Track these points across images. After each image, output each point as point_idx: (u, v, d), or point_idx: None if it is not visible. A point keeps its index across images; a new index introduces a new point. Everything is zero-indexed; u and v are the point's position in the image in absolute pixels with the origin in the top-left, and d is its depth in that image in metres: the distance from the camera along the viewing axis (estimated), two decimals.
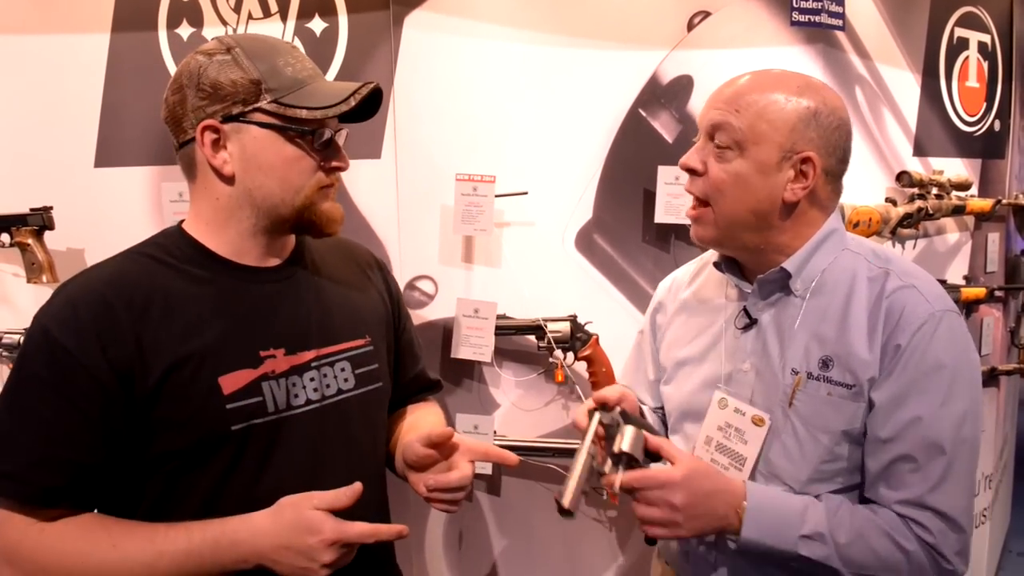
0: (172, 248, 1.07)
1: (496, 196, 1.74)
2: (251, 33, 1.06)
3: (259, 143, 1.02)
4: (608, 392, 1.19)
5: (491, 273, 1.80)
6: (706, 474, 1.05)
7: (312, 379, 1.10)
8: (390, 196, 1.77)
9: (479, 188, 1.73)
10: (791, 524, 1.03)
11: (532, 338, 1.78)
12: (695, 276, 1.31)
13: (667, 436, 1.33)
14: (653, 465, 1.10)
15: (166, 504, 1.03)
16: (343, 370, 1.14)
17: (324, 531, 0.97)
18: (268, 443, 1.06)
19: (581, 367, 1.82)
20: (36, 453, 0.96)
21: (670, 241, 1.91)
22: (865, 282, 1.08)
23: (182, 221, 1.11)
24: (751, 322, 1.14)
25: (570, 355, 1.78)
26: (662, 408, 1.35)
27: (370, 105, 1.07)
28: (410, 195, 1.77)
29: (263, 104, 1.01)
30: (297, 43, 1.71)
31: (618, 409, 1.14)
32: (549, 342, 1.76)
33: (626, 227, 1.90)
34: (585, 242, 1.87)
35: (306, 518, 0.99)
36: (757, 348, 1.13)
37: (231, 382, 1.03)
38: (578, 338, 1.77)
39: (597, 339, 1.78)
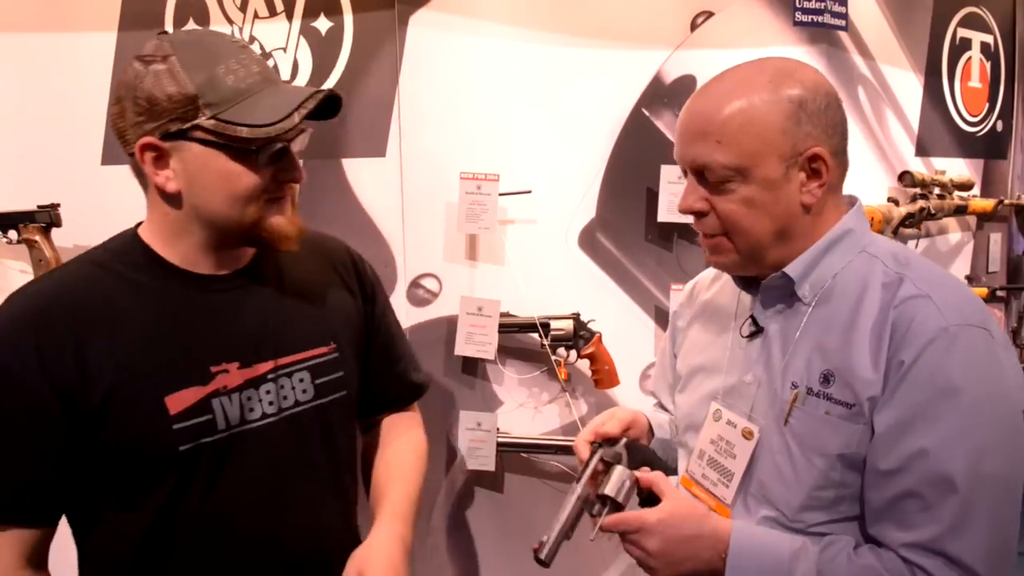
0: (124, 255, 1.02)
1: (500, 195, 1.75)
2: (193, 31, 1.02)
3: (200, 160, 0.95)
4: (609, 427, 1.15)
5: (495, 271, 1.81)
6: (686, 517, 0.97)
7: (268, 392, 1.05)
8: (394, 194, 1.78)
9: (483, 187, 1.74)
10: (779, 572, 0.93)
11: (535, 336, 1.79)
12: (716, 279, 1.22)
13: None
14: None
15: (120, 522, 1.00)
16: (301, 381, 1.09)
17: None
18: (220, 460, 1.02)
19: (584, 365, 1.83)
20: None
21: (673, 240, 1.92)
22: (878, 289, 0.95)
23: (139, 224, 1.05)
24: (758, 330, 1.05)
25: (573, 353, 1.79)
26: None
27: (330, 105, 1.00)
28: (414, 193, 1.78)
29: (201, 121, 0.93)
30: (302, 41, 1.72)
31: (623, 440, 1.10)
32: (552, 340, 1.77)
33: (629, 226, 1.91)
34: (588, 240, 1.88)
35: None
36: (762, 359, 1.03)
37: (178, 401, 0.98)
38: (581, 336, 1.78)
39: (600, 337, 1.79)
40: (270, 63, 0.99)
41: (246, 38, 1.72)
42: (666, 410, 1.32)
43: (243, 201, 0.97)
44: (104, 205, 1.74)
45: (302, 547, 1.08)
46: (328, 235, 1.26)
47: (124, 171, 1.74)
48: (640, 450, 1.10)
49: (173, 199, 0.99)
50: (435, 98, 1.78)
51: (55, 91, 1.73)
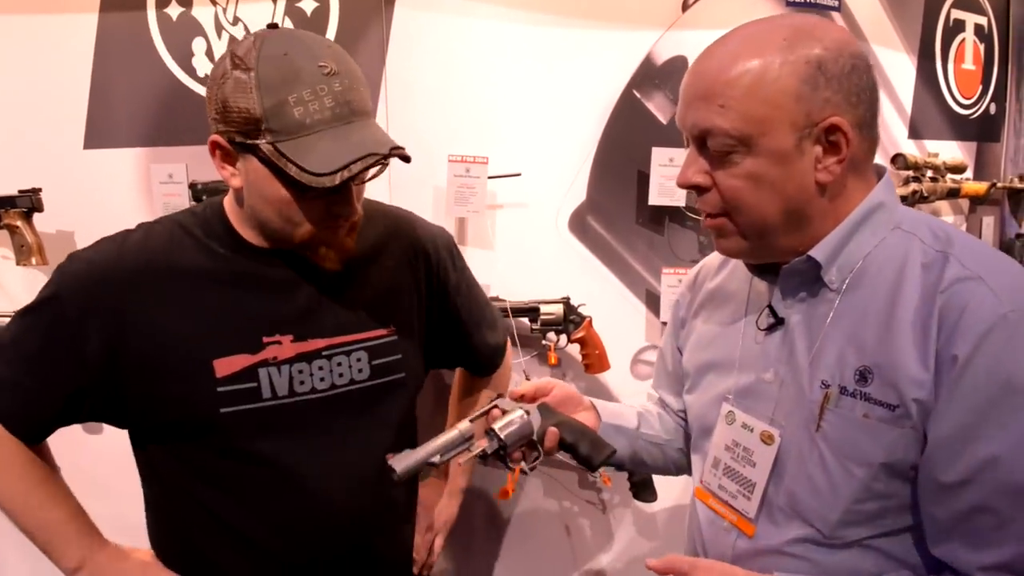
0: (206, 222, 1.09)
1: (489, 178, 1.73)
2: (290, 41, 0.97)
3: (258, 174, 0.99)
4: (525, 385, 1.10)
5: (484, 255, 1.79)
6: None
7: (321, 368, 1.09)
8: (382, 178, 1.74)
9: (472, 169, 1.72)
10: None
11: (526, 320, 1.78)
12: (724, 263, 1.09)
13: (688, 453, 1.18)
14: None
15: (173, 472, 1.09)
16: (359, 360, 1.12)
17: None
18: (264, 429, 1.06)
19: (574, 350, 1.82)
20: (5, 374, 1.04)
21: (664, 223, 1.91)
22: (918, 270, 0.82)
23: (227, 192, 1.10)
24: (777, 322, 0.93)
25: (563, 337, 1.78)
26: (685, 413, 1.17)
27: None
28: (402, 176, 1.75)
29: (261, 144, 0.96)
30: (287, 22, 1.69)
31: (536, 404, 1.07)
32: (542, 324, 1.75)
33: (620, 209, 1.89)
34: (579, 224, 1.87)
35: None
36: (783, 354, 0.92)
37: (225, 365, 1.04)
38: (571, 320, 1.77)
39: (590, 321, 1.78)
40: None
41: (231, 18, 1.69)
42: (666, 405, 1.23)
43: (293, 222, 1.01)
44: (87, 189, 1.73)
45: (344, 522, 1.12)
46: (408, 216, 1.28)
47: (107, 155, 1.73)
48: (554, 414, 1.06)
49: (238, 193, 1.05)
50: (423, 80, 1.75)
51: (36, 74, 1.70)
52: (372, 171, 1.01)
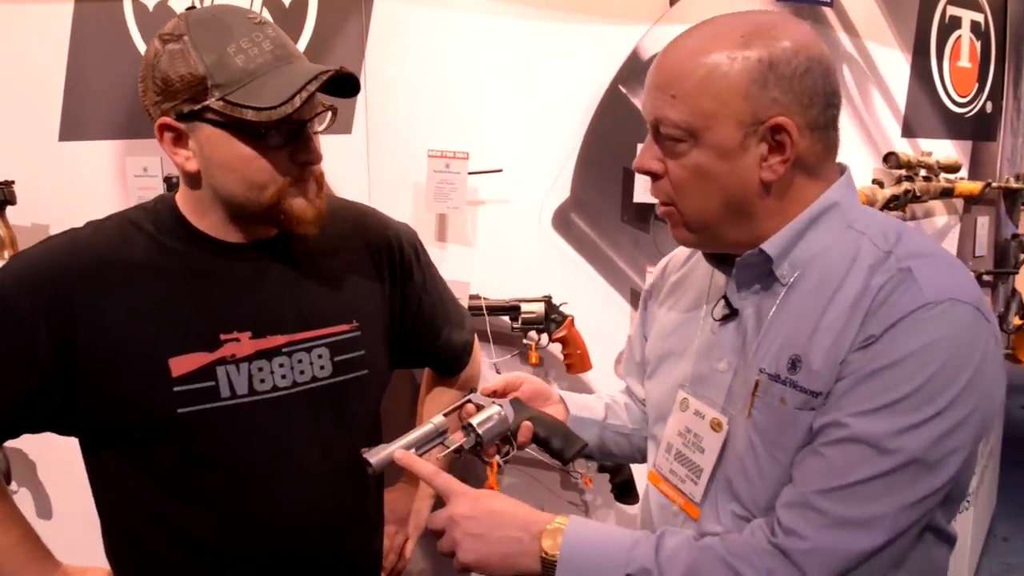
0: (158, 216, 1.05)
1: (470, 173, 1.70)
2: (214, 7, 1.00)
3: (214, 142, 0.96)
4: (496, 380, 1.11)
5: (465, 252, 1.77)
6: (474, 515, 0.91)
7: (282, 365, 1.06)
8: (361, 173, 1.73)
9: (452, 165, 1.69)
10: (616, 562, 0.85)
11: (506, 319, 1.75)
12: (689, 257, 1.13)
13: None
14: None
15: (127, 480, 1.05)
16: (320, 356, 1.09)
17: None
18: (224, 428, 1.03)
19: (556, 349, 1.79)
20: None
21: (650, 221, 1.88)
22: (864, 270, 0.85)
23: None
24: (732, 313, 0.95)
25: (544, 337, 1.75)
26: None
27: (345, 83, 0.99)
28: (381, 172, 1.73)
29: (211, 103, 0.93)
30: (265, 13, 1.66)
31: (510, 398, 1.09)
32: (523, 323, 1.73)
33: (605, 206, 1.86)
34: (562, 221, 1.84)
35: None
36: (737, 344, 0.94)
37: (181, 364, 1.00)
38: (552, 319, 1.74)
39: (572, 320, 1.75)
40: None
41: None
42: (633, 394, 1.26)
43: (258, 185, 0.97)
44: (61, 182, 1.70)
45: (306, 524, 1.09)
46: (372, 211, 1.26)
47: (82, 147, 1.70)
48: (526, 409, 1.08)
49: (194, 178, 1.01)
50: (403, 73, 1.72)
51: (10, 65, 1.67)
52: (327, 119, 1.01)
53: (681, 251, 1.16)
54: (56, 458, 1.28)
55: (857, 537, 0.80)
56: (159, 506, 1.04)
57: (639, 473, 1.43)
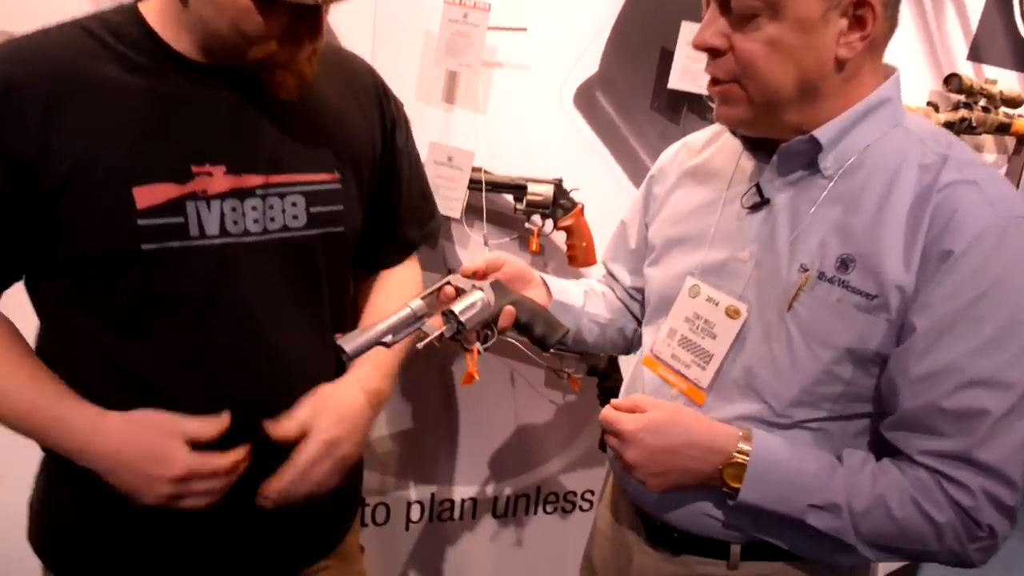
0: (118, 28, 0.92)
1: (489, 28, 1.49)
2: None
3: None
4: (477, 261, 1.07)
5: (473, 119, 1.58)
6: (670, 424, 0.92)
7: (255, 208, 0.96)
8: (366, 16, 1.52)
9: (470, 16, 1.48)
10: (802, 489, 0.88)
11: (509, 198, 1.59)
12: (709, 143, 1.11)
13: (639, 328, 1.21)
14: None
15: (75, 320, 0.95)
16: (294, 205, 0.99)
17: (174, 468, 0.91)
18: (188, 271, 0.93)
19: (560, 238, 1.64)
20: None
21: (682, 111, 1.69)
22: (915, 169, 0.85)
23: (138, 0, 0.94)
24: (762, 202, 0.94)
25: (549, 223, 1.60)
26: (641, 291, 1.20)
27: None
28: (390, 16, 1.52)
29: None
30: None
31: (490, 280, 1.03)
32: (527, 206, 1.56)
33: (634, 88, 1.67)
34: (585, 99, 1.65)
35: (159, 447, 0.91)
36: (763, 235, 0.94)
37: (147, 195, 0.89)
38: (560, 205, 1.58)
39: (582, 209, 1.59)
40: None
41: None
42: (616, 281, 1.26)
43: (248, 39, 0.88)
44: None
45: (265, 377, 1.00)
46: (354, 55, 1.13)
47: None
48: (507, 293, 1.04)
49: None
50: None
51: None
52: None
53: (697, 136, 1.14)
54: None
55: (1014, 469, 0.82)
56: (111, 351, 0.94)
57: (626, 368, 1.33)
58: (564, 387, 1.80)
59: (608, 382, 1.66)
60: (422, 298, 0.95)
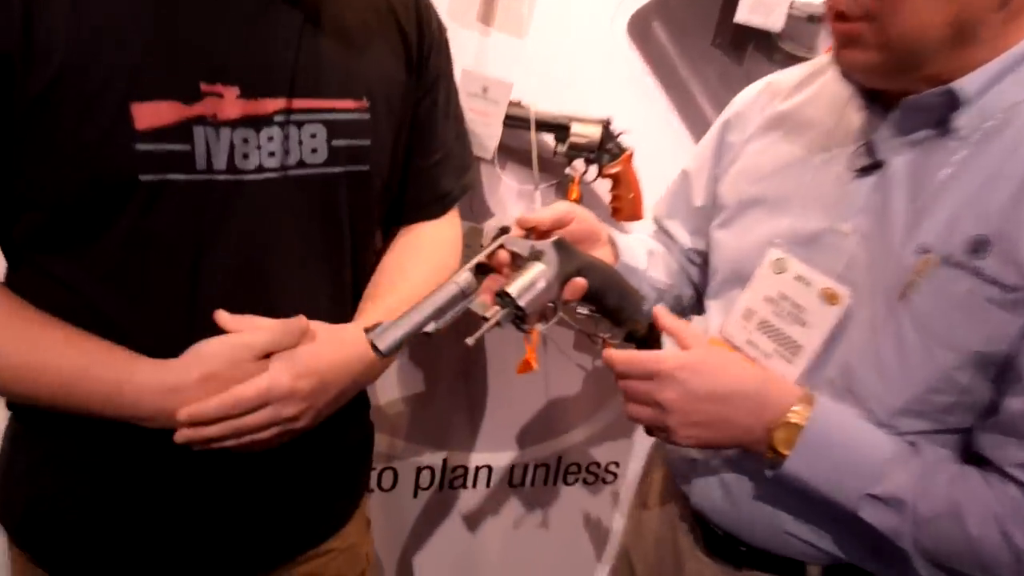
0: None
1: None
2: None
3: None
4: (541, 213, 0.87)
5: (512, 44, 1.38)
6: (721, 368, 0.79)
7: (272, 139, 0.81)
8: None
9: None
10: (863, 474, 0.74)
11: (550, 139, 1.40)
12: (801, 85, 0.95)
13: (700, 301, 1.09)
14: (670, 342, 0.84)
15: (57, 264, 0.80)
16: (313, 136, 0.84)
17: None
18: (192, 211, 0.78)
19: (604, 187, 1.46)
20: None
21: (747, 51, 1.49)
22: None
23: None
24: (874, 164, 0.79)
25: (593, 169, 1.42)
26: (703, 255, 1.05)
27: None
28: None
29: None
30: None
31: (553, 239, 0.83)
32: (570, 148, 1.38)
33: (696, 20, 1.46)
34: (640, 28, 1.45)
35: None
36: (874, 204, 0.78)
37: (149, 114, 0.74)
38: (607, 150, 1.39)
39: (631, 156, 1.41)
40: None
41: None
42: (673, 241, 1.11)
43: None
44: None
45: None
46: None
47: None
48: (576, 256, 0.83)
49: None
50: None
51: None
52: None
53: (784, 77, 0.98)
54: None
55: None
56: (96, 301, 0.80)
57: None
58: (596, 352, 1.65)
59: (647, 349, 1.50)
60: (470, 270, 0.77)
